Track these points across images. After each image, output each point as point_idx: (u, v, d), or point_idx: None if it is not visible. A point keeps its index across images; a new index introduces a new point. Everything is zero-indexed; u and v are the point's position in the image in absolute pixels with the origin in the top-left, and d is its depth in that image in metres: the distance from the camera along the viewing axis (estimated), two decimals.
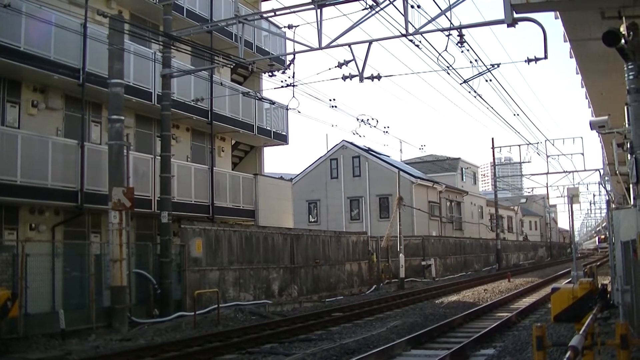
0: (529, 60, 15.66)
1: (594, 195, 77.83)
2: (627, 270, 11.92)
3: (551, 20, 14.84)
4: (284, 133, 31.30)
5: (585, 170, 50.46)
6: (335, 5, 16.16)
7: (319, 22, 15.96)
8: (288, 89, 19.14)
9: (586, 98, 23.30)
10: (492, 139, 67.36)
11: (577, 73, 19.67)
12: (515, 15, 13.31)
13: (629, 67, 11.82)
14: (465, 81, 18.21)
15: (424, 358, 12.89)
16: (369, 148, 49.16)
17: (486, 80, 19.29)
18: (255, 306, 22.04)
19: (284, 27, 19.72)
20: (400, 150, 49.45)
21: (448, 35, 15.55)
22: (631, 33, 11.40)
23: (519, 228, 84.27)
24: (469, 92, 19.41)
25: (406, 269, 34.34)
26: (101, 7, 20.23)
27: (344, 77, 17.54)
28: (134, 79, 21.30)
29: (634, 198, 18.25)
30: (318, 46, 16.38)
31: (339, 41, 16.42)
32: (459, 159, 62.86)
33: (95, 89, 19.67)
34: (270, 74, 19.00)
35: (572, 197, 24.14)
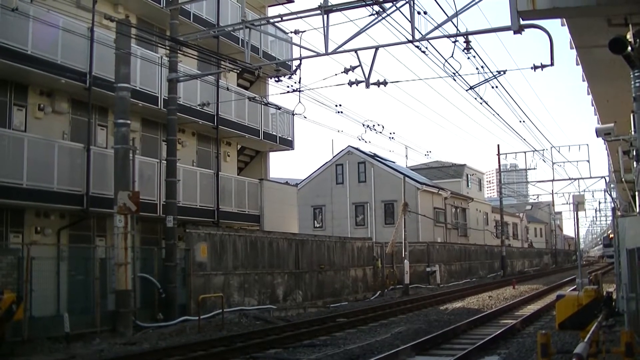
0: (535, 67, 15.63)
1: (600, 203, 77.69)
2: (632, 278, 11.89)
3: (557, 27, 14.86)
4: (290, 138, 31.31)
5: (590, 177, 50.67)
6: (342, 11, 16.19)
7: (325, 28, 15.98)
8: (294, 94, 19.15)
9: (592, 105, 23.28)
10: (498, 145, 67.50)
11: (583, 80, 19.66)
12: (522, 22, 13.31)
13: (635, 74, 11.82)
14: (471, 87, 18.20)
15: None
16: (374, 154, 49.15)
17: (492, 87, 19.29)
18: (260, 311, 22.04)
19: (291, 32, 19.74)
20: (406, 156, 49.58)
21: (454, 42, 15.55)
22: (637, 40, 11.39)
23: (524, 235, 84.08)
24: (475, 98, 19.40)
25: (411, 275, 34.31)
26: (108, 12, 20.35)
27: (350, 83, 17.54)
28: (141, 83, 21.35)
29: (639, 206, 18.24)
30: (324, 52, 16.40)
31: (345, 47, 16.45)
32: (464, 165, 62.82)
33: (101, 93, 19.73)
34: (276, 79, 19.02)
35: (578, 204, 24.02)
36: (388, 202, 47.44)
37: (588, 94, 21.29)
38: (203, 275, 20.81)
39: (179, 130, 22.87)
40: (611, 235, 58.52)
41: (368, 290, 32.01)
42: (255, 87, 31.18)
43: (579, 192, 52.03)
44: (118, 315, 17.11)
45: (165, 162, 20.88)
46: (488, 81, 17.97)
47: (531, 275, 54.92)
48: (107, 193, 18.89)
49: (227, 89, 25.25)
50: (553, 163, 45.71)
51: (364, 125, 23.14)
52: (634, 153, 17.04)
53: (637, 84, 11.85)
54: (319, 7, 15.92)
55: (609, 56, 12.17)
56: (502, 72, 17.64)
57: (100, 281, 17.58)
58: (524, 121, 49.40)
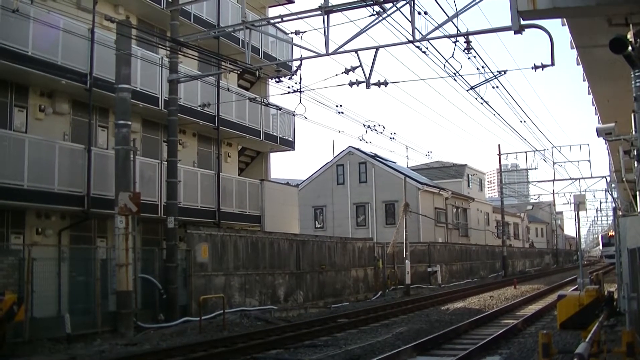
0: (535, 67, 15.62)
1: (601, 203, 77.58)
2: (633, 278, 11.88)
3: (558, 27, 14.83)
4: (291, 139, 31.32)
5: (591, 177, 50.54)
6: (342, 12, 16.19)
7: (325, 28, 15.98)
8: (295, 95, 19.16)
9: (593, 105, 23.26)
10: (499, 145, 67.30)
11: (583, 80, 19.65)
12: (522, 22, 13.30)
13: (636, 74, 11.79)
14: (472, 88, 18.19)
15: None
16: (375, 154, 49.15)
17: (493, 87, 19.27)
18: (261, 312, 22.04)
19: (291, 33, 19.74)
20: (407, 156, 49.84)
21: (455, 42, 15.55)
22: (638, 40, 11.38)
23: (525, 235, 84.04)
24: (476, 98, 19.39)
25: (412, 276, 34.29)
26: (109, 13, 20.36)
27: (351, 83, 17.53)
28: (141, 84, 21.35)
29: None
30: (325, 52, 16.40)
31: (345, 47, 16.45)
32: (465, 165, 62.78)
33: (102, 94, 19.74)
34: (277, 79, 19.01)
35: (579, 204, 24.02)
36: (389, 203, 47.44)
37: (589, 93, 21.27)
38: (204, 276, 20.81)
39: (180, 131, 22.89)
40: (610, 233, 57.64)
41: (369, 291, 32.00)
42: (255, 88, 31.18)
43: (580, 192, 52.07)
44: (119, 316, 17.11)
45: (166, 163, 20.90)
46: (489, 81, 17.97)
47: (532, 275, 54.90)
48: (108, 194, 18.90)
49: (228, 89, 25.25)
50: (554, 163, 45.76)
51: (364, 125, 23.13)
52: (635, 153, 17.01)
53: (638, 84, 11.82)
54: (320, 8, 15.92)
55: (609, 56, 12.15)
56: (502, 72, 17.63)
57: (101, 282, 17.56)
58: (524, 121, 49.47)
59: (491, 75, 17.81)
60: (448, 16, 14.89)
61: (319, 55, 16.91)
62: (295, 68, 19.08)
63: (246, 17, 18.46)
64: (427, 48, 16.09)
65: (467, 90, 18.35)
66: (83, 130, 19.84)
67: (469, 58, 16.32)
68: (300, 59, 18.42)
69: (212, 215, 24.78)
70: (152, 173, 21.66)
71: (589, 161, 60.42)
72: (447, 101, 36.75)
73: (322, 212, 50.26)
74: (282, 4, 32.19)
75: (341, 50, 16.45)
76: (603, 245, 67.42)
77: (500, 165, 55.70)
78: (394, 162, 50.97)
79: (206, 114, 24.58)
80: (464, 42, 15.52)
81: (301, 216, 36.69)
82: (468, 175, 61.95)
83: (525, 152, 49.23)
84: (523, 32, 13.66)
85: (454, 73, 17.03)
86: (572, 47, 15.88)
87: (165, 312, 19.08)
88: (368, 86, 17.08)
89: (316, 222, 50.03)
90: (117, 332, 16.86)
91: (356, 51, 16.68)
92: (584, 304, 9.73)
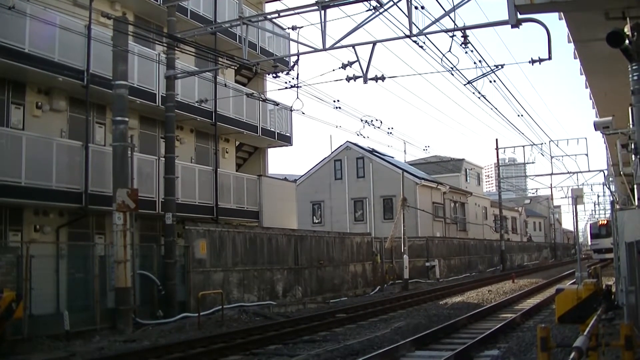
0: (532, 61, 15.63)
1: (598, 196, 77.60)
2: (631, 271, 11.89)
3: (555, 21, 14.93)
4: (288, 134, 31.30)
5: (589, 171, 50.77)
6: (339, 7, 16.18)
7: (322, 24, 15.97)
8: (292, 90, 19.19)
9: (590, 99, 23.30)
10: (496, 139, 67.43)
11: (581, 74, 19.67)
12: (520, 16, 13.31)
13: (633, 67, 11.80)
14: (469, 82, 18.20)
15: (428, 359, 12.88)
16: (373, 149, 49.15)
17: (490, 81, 19.31)
18: (260, 307, 22.05)
19: (288, 28, 19.71)
20: (404, 151, 49.98)
21: (452, 36, 15.55)
22: (635, 34, 11.38)
23: (523, 229, 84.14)
24: (473, 93, 19.42)
25: (410, 270, 34.34)
26: (105, 9, 20.27)
27: (348, 78, 17.54)
28: (138, 80, 21.31)
29: (638, 199, 18.27)
30: (322, 47, 16.40)
31: (343, 42, 16.43)
32: (463, 159, 62.81)
33: (99, 91, 19.70)
34: (274, 75, 18.99)
35: (576, 198, 24.05)
36: (387, 197, 47.45)
37: (586, 87, 21.32)
38: (202, 272, 20.81)
39: (177, 127, 22.85)
40: (601, 222, 55.48)
41: (367, 286, 32.03)
42: (253, 84, 31.14)
43: (578, 185, 52.13)
44: (118, 312, 17.12)
45: (163, 159, 20.88)
46: (486, 75, 17.98)
47: (530, 269, 54.94)
48: (105, 191, 18.88)
49: (225, 85, 25.22)
50: (552, 157, 45.67)
51: (362, 120, 23.16)
52: (633, 146, 17.04)
53: (635, 77, 11.84)
54: (316, 3, 15.90)
55: (607, 50, 12.15)
56: (499, 67, 17.65)
57: (100, 279, 17.56)
58: (522, 115, 49.45)
59: (488, 69, 17.84)
60: (445, 10, 14.89)
61: (316, 50, 16.90)
62: (292, 63, 19.10)
63: (243, 13, 18.42)
64: (424, 43, 16.10)
65: (464, 85, 18.38)
66: (80, 127, 19.80)
67: (466, 52, 16.36)
68: (298, 54, 18.41)
69: (210, 211, 24.77)
70: (149, 169, 21.64)
71: (587, 155, 60.56)
72: (445, 96, 36.91)
73: (320, 207, 50.27)
74: None
75: (338, 45, 16.44)
76: (592, 237, 58.44)
77: (497, 160, 55.70)
78: (392, 157, 50.99)
79: (203, 110, 24.55)
80: (461, 36, 15.53)
81: (299, 211, 36.71)
82: (466, 169, 61.99)
83: (523, 146, 49.15)
84: (520, 26, 13.67)
85: (451, 67, 17.05)
86: (569, 41, 15.91)
87: (164, 308, 19.09)
88: (365, 81, 17.09)
89: (314, 217, 50.04)
90: (116, 329, 16.87)
91: (353, 46, 16.68)
92: (582, 298, 9.73)
